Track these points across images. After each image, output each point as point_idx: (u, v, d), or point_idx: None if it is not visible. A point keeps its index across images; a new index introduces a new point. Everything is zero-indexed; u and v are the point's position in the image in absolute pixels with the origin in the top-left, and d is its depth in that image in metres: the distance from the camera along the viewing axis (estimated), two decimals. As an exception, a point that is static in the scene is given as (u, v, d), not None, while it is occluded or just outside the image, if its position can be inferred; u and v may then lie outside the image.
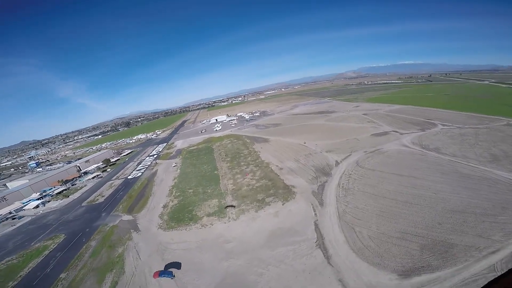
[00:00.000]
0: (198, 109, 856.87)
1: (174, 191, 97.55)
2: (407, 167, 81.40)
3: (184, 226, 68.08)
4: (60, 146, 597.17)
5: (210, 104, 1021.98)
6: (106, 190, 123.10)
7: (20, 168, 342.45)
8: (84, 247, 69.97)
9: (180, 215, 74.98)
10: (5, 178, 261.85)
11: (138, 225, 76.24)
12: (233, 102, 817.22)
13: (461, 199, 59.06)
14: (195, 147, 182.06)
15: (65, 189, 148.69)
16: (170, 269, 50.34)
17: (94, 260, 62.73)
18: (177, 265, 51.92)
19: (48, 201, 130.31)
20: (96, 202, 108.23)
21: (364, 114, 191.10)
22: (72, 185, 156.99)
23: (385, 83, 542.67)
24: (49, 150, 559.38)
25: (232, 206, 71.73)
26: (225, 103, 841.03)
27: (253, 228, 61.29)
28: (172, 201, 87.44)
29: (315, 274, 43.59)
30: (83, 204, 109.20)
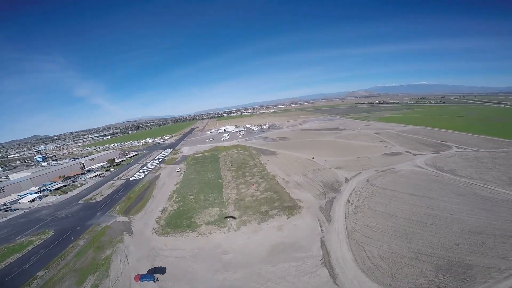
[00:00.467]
0: (207, 118, 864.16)
1: (174, 196, 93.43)
2: (421, 187, 76.68)
3: (181, 233, 63.49)
4: (69, 143, 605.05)
5: (219, 114, 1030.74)
6: (106, 190, 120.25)
7: (26, 161, 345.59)
8: (70, 245, 65.84)
9: (177, 221, 70.48)
10: (10, 169, 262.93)
11: (132, 227, 71.99)
12: (242, 114, 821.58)
13: (479, 221, 54.31)
14: (201, 154, 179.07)
15: (65, 185, 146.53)
16: (154, 274, 47.18)
17: (78, 260, 58.41)
18: (162, 270, 48.67)
19: (46, 196, 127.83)
20: (94, 200, 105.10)
21: (375, 133, 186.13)
22: (73, 182, 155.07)
23: (397, 103, 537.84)
24: (58, 146, 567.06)
25: (232, 217, 66.95)
26: (234, 114, 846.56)
27: (255, 241, 56.37)
28: (172, 206, 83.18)
29: (320, 295, 38.16)
30: (79, 202, 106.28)
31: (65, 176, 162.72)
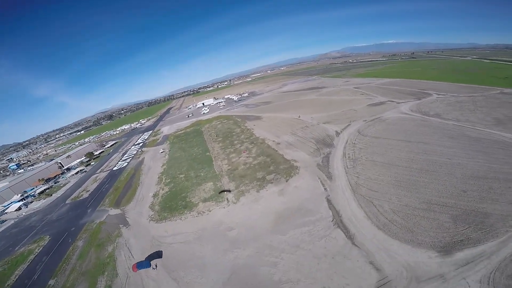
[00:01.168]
0: (183, 96, 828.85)
1: (164, 178, 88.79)
2: (412, 133, 76.61)
3: (179, 216, 60.16)
4: (42, 145, 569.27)
5: (195, 90, 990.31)
6: (91, 185, 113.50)
7: (1, 171, 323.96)
8: (70, 248, 61.55)
9: (172, 204, 66.85)
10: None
11: (127, 219, 67.91)
12: (219, 86, 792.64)
13: (479, 164, 54.27)
14: (182, 131, 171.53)
15: (48, 188, 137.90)
16: (152, 260, 45.86)
17: (83, 262, 54.67)
18: (158, 254, 47.37)
19: (31, 202, 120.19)
20: (81, 198, 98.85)
21: (355, 88, 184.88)
22: (55, 183, 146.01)
23: (370, 61, 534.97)
24: (30, 151, 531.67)
25: (227, 190, 63.70)
26: (211, 88, 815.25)
27: (257, 211, 54.01)
28: (163, 189, 78.94)
29: (340, 258, 36.87)
30: (67, 202, 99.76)
31: (45, 178, 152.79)
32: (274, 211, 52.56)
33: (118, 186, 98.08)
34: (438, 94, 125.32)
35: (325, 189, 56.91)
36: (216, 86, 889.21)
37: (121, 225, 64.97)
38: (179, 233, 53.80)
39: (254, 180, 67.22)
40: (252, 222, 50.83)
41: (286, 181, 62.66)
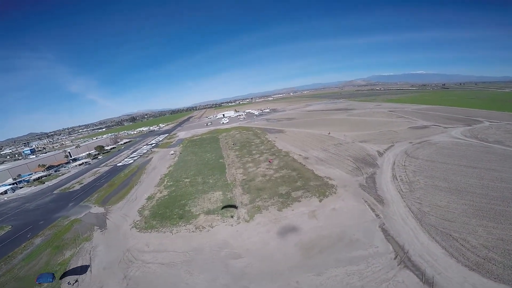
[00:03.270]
0: (205, 108, 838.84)
1: (166, 180, 74.77)
2: (475, 159, 61.52)
3: (170, 227, 44.94)
4: (64, 137, 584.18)
5: (217, 104, 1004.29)
6: (87, 177, 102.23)
7: (16, 155, 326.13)
8: (23, 245, 48.13)
9: (167, 211, 51.90)
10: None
11: (107, 220, 53.67)
12: (241, 103, 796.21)
13: None
14: (198, 137, 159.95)
15: (45, 175, 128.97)
16: (74, 275, 35.32)
17: (27, 265, 41.15)
18: (83, 269, 36.50)
19: (21, 187, 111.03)
20: (70, 190, 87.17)
21: (390, 111, 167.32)
22: (56, 171, 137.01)
23: (399, 89, 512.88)
24: (51, 140, 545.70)
25: (233, 206, 47.98)
26: (232, 104, 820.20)
27: (277, 236, 37.55)
28: (161, 192, 64.52)
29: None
30: (54, 192, 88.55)
31: (47, 165, 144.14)
32: (302, 238, 36.22)
33: (114, 183, 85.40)
34: (490, 122, 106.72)
35: (376, 215, 40.43)
36: (238, 102, 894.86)
37: (96, 227, 50.76)
38: (164, 250, 38.31)
39: (275, 195, 51.32)
40: (269, 250, 34.80)
41: (320, 201, 46.42)
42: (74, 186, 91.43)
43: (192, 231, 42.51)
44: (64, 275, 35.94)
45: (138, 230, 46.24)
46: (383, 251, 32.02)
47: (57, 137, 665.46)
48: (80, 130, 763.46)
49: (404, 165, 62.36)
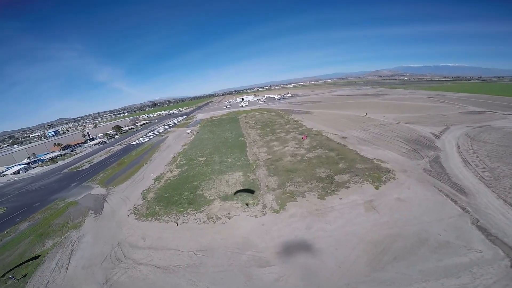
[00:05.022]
0: (224, 94, 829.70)
1: (178, 159, 65.03)
2: None
3: (175, 215, 34.53)
4: (88, 121, 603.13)
5: (236, 91, 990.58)
6: (100, 156, 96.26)
7: (42, 137, 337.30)
8: (6, 231, 39.86)
9: (175, 194, 41.65)
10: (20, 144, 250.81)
11: (105, 203, 44.66)
12: (260, 90, 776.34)
13: None
14: (217, 118, 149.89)
15: (61, 155, 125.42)
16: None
17: (1, 255, 31.75)
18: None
19: (34, 167, 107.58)
20: (79, 169, 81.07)
21: (429, 97, 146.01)
22: (72, 151, 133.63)
23: (431, 80, 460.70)
24: (76, 124, 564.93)
25: (249, 191, 36.33)
26: (251, 91, 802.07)
27: (325, 232, 25.92)
28: (172, 172, 54.63)
29: None
30: (63, 171, 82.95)
31: (63, 145, 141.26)
32: (363, 238, 24.13)
33: (124, 161, 77.60)
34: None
35: (462, 208, 27.65)
36: (257, 89, 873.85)
37: (91, 212, 41.80)
38: (164, 247, 27.91)
39: (313, 179, 39.17)
40: (314, 257, 22.68)
41: (376, 189, 33.80)
42: (83, 165, 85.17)
43: (203, 222, 31.72)
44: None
45: (136, 217, 36.36)
46: (490, 256, 20.89)
47: (83, 121, 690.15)
48: (105, 115, 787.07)
49: (473, 149, 48.62)
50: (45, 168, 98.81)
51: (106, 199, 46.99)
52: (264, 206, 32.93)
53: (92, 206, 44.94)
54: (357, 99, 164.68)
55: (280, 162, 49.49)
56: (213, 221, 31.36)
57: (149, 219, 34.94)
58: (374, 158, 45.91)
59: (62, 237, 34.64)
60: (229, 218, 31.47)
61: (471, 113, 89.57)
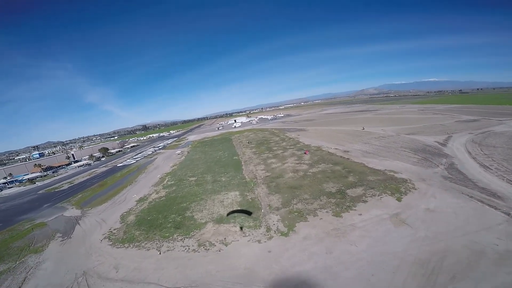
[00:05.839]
0: (216, 118, 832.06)
1: (166, 179, 58.77)
2: None
3: (158, 241, 28.38)
4: (78, 145, 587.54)
5: (228, 114, 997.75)
6: (82, 178, 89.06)
7: (27, 160, 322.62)
8: None
9: (159, 217, 35.31)
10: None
11: (77, 226, 37.86)
12: (252, 112, 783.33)
13: None
14: (209, 139, 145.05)
15: (41, 176, 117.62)
16: None
17: None
18: None
19: (10, 187, 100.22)
20: (57, 189, 74.42)
21: (420, 110, 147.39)
22: (53, 173, 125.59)
23: (416, 95, 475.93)
24: (64, 148, 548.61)
25: (245, 212, 30.75)
26: (243, 114, 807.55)
27: (352, 255, 19.97)
28: (157, 193, 48.29)
29: None
30: (39, 192, 76.34)
31: (45, 166, 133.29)
32: (404, 258, 18.64)
33: (106, 182, 70.74)
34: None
35: (507, 214, 23.43)
36: (248, 112, 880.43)
37: (58, 235, 35.22)
38: (142, 280, 22.01)
39: (322, 194, 33.86)
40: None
41: (399, 201, 28.84)
42: (62, 186, 78.22)
43: (193, 249, 25.50)
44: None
45: (110, 243, 29.77)
46: None
47: (71, 145, 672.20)
48: (94, 139, 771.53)
49: (486, 154, 46.26)
50: (21, 188, 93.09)
51: (79, 221, 40.22)
52: (269, 229, 27.12)
53: (62, 228, 38.17)
54: (350, 115, 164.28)
55: (281, 179, 44.17)
56: (205, 249, 25.20)
57: (126, 245, 28.46)
58: (385, 170, 41.46)
59: (17, 262, 28.03)
60: (226, 245, 25.40)
61: (467, 121, 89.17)
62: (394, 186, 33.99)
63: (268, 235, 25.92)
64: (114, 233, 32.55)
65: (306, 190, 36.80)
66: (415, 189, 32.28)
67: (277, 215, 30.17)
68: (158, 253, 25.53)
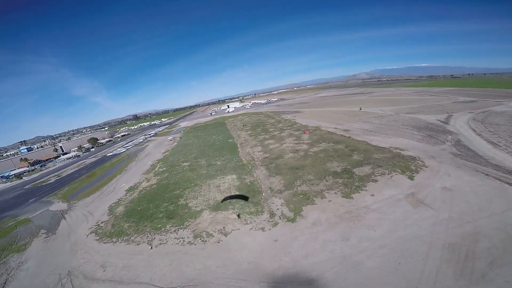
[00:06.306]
0: (208, 105, 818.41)
1: (158, 166, 55.47)
2: None
3: (150, 233, 25.38)
4: (67, 137, 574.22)
5: (221, 101, 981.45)
6: (70, 170, 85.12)
7: (14, 155, 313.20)
8: None
9: (150, 206, 32.30)
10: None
11: (62, 220, 34.82)
12: (245, 98, 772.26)
13: None
14: (202, 124, 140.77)
15: (28, 171, 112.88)
16: None
17: None
18: None
19: None
20: (43, 184, 70.68)
21: (415, 92, 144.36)
22: (41, 166, 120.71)
23: (407, 79, 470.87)
24: (53, 141, 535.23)
25: (242, 197, 27.93)
26: (236, 100, 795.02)
27: (372, 241, 17.32)
28: (148, 180, 45.04)
29: None
30: (25, 187, 72.49)
31: (32, 161, 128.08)
32: (431, 241, 16.34)
33: (95, 173, 67.17)
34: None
35: None
36: (241, 98, 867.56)
37: (42, 231, 32.09)
38: (132, 280, 19.30)
39: (327, 174, 31.18)
40: (368, 282, 14.23)
41: (411, 179, 26.43)
42: (49, 180, 74.48)
43: (189, 242, 22.65)
44: None
45: (97, 237, 26.81)
46: None
47: (61, 138, 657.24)
48: (84, 131, 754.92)
49: (491, 131, 44.27)
50: (7, 184, 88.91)
51: (65, 215, 37.06)
52: (272, 214, 24.40)
53: (46, 224, 35.06)
54: (345, 98, 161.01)
55: (280, 160, 41.34)
56: (202, 240, 22.40)
57: (114, 239, 25.54)
58: (390, 147, 39.02)
59: (-6, 266, 24.63)
60: (225, 235, 22.62)
61: (464, 102, 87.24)
62: (403, 164, 31.49)
63: (272, 221, 23.22)
64: (102, 226, 29.54)
65: (309, 170, 34.07)
66: (426, 166, 29.95)
67: (280, 198, 27.44)
68: (150, 247, 22.68)
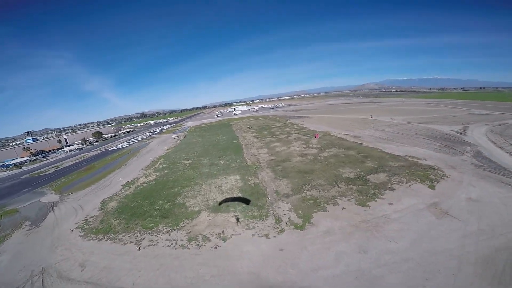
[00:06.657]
0: (215, 107, 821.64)
1: (158, 162, 53.26)
2: None
3: (139, 233, 22.72)
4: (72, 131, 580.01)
5: (228, 104, 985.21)
6: (70, 162, 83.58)
7: (20, 145, 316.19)
8: None
9: (144, 203, 29.93)
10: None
11: (50, 213, 32.45)
12: (251, 102, 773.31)
13: None
14: (207, 124, 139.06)
15: (29, 161, 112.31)
16: None
17: None
18: None
19: None
20: (41, 174, 69.14)
21: (427, 103, 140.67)
22: (43, 157, 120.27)
23: (417, 91, 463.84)
24: (60, 134, 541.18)
25: (243, 200, 25.29)
26: (243, 104, 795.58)
27: (394, 254, 14.44)
28: (147, 176, 42.70)
29: None
30: (22, 176, 70.41)
31: (35, 151, 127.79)
32: (461, 255, 13.65)
33: (94, 166, 65.37)
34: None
35: None
36: (248, 102, 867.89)
37: (27, 223, 29.78)
38: (111, 283, 16.38)
39: (339, 180, 28.48)
40: None
41: (432, 189, 23.65)
42: (48, 170, 73.08)
43: (182, 245, 20.04)
44: None
45: (83, 233, 24.42)
46: None
47: (67, 131, 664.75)
48: (91, 126, 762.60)
49: (511, 144, 39.61)
50: (6, 173, 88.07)
51: (55, 207, 34.82)
52: (278, 220, 21.70)
53: (33, 216, 32.84)
54: (354, 106, 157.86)
55: (288, 163, 38.69)
56: (197, 245, 19.77)
57: (100, 237, 23.06)
58: (406, 155, 36.24)
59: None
60: (224, 240, 19.95)
61: (479, 114, 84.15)
62: (422, 172, 28.65)
63: (278, 227, 20.52)
64: (90, 221, 27.16)
65: (319, 175, 31.35)
66: (447, 176, 27.20)
67: (287, 203, 24.75)
68: (137, 248, 20.14)
